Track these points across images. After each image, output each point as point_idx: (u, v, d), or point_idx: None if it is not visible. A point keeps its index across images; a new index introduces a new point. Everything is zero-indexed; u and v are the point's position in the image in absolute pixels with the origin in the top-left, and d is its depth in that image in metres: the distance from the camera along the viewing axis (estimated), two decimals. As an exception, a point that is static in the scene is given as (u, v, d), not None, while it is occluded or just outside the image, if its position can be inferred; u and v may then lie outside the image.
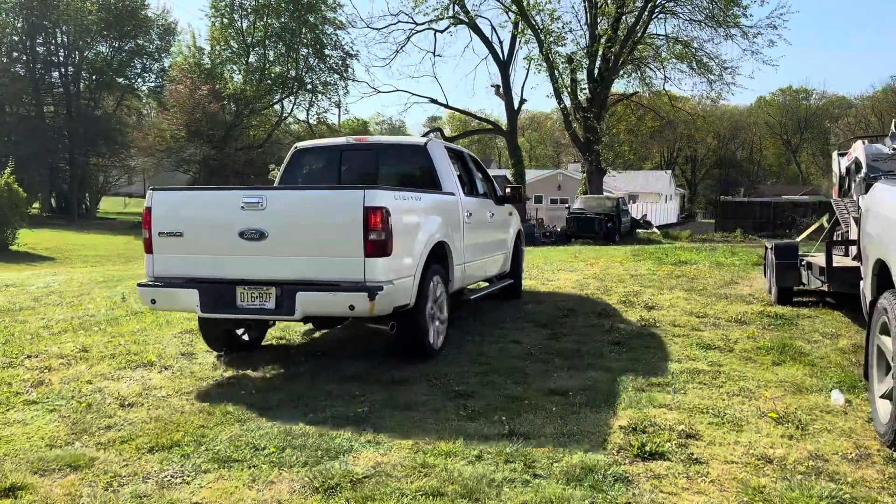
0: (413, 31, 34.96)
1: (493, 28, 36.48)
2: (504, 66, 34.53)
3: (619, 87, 35.00)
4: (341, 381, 5.42)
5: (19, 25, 42.53)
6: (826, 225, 10.25)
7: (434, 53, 39.02)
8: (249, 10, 43.29)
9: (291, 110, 47.66)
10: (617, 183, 45.28)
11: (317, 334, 7.25)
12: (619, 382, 5.29)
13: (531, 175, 48.01)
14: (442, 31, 35.46)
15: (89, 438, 4.27)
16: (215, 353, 6.35)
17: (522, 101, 35.20)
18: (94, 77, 45.56)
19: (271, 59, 44.94)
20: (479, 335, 7.06)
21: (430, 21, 34.58)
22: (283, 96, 46.08)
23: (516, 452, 3.88)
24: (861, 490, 3.47)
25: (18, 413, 4.78)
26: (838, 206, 8.88)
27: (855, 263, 6.84)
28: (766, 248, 9.69)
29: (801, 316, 7.93)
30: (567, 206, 36.48)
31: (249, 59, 44.20)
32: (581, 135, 32.05)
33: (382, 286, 5.13)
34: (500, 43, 34.90)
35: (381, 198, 5.17)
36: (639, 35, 32.14)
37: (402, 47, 35.38)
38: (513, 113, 35.27)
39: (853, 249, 7.33)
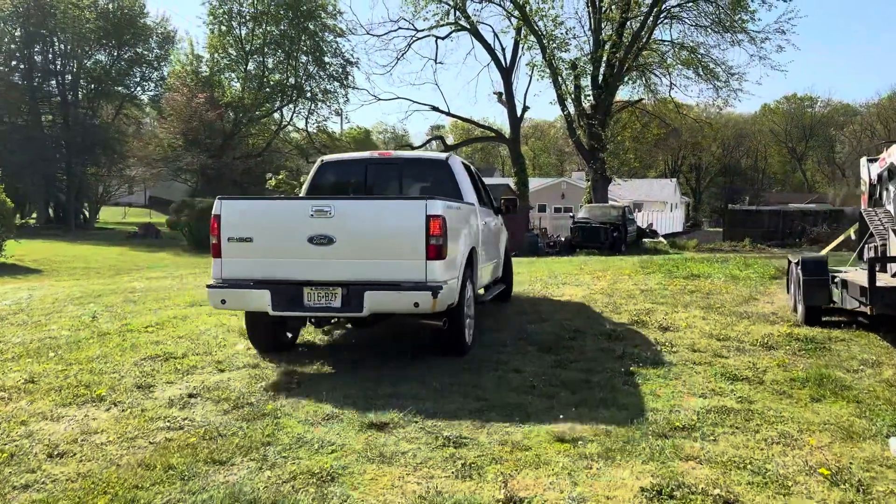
0: (414, 38, 34.30)
1: (495, 34, 35.86)
2: (506, 72, 33.85)
3: (623, 93, 34.32)
4: (310, 425, 4.66)
5: (17, 34, 42.03)
6: (854, 237, 9.46)
7: (436, 61, 38.25)
8: (248, 18, 42.72)
9: (291, 118, 47.06)
10: (621, 191, 44.47)
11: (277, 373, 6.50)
12: (637, 425, 4.53)
13: (535, 183, 47.29)
14: (443, 38, 34.85)
15: (-2, 503, 3.53)
16: (175, 386, 5.61)
17: (525, 108, 34.48)
18: (92, 86, 45.00)
19: (270, 66, 44.37)
20: (475, 362, 6.31)
21: (431, 28, 33.92)
22: (283, 104, 45.45)
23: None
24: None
25: (-74, 466, 4.04)
26: (870, 216, 8.11)
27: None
28: (791, 261, 8.92)
29: (833, 339, 7.16)
30: (571, 215, 35.70)
31: (248, 67, 43.61)
32: (585, 142, 31.30)
33: (442, 286, 5.67)
34: (503, 49, 34.26)
35: (439, 207, 5.72)
36: (644, 41, 31.44)
37: (402, 54, 34.71)
38: (515, 120, 34.55)
39: (893, 266, 6.56)
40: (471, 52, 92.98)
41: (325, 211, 5.75)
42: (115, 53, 45.31)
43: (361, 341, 7.34)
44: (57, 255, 24.88)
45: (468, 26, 33.23)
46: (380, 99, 53.83)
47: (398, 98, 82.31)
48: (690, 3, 31.63)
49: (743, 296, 10.24)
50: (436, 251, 5.66)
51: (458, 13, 32.87)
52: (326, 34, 44.04)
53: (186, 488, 3.64)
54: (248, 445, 4.24)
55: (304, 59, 44.31)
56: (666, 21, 32.11)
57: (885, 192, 7.87)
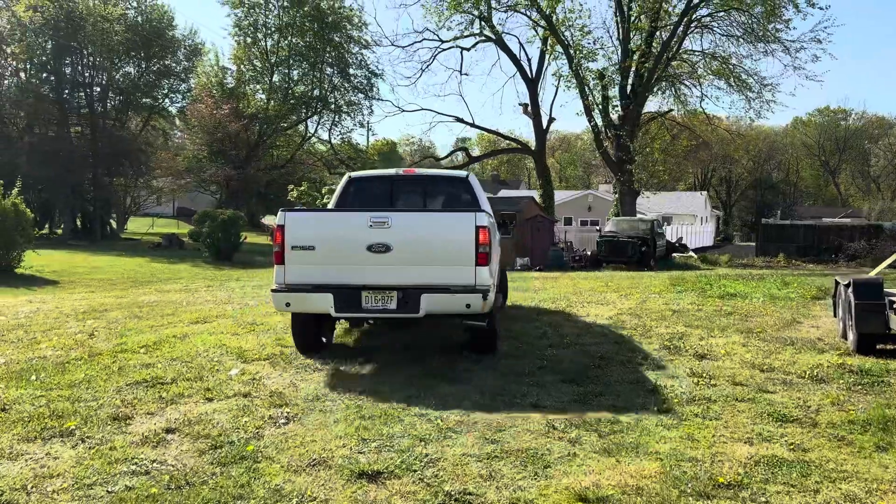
0: (439, 49, 33.89)
1: (520, 45, 35.69)
2: (532, 83, 33.26)
3: (652, 105, 33.52)
4: (293, 472, 4.06)
5: (48, 47, 42.46)
6: (909, 256, 8.66)
7: (460, 72, 37.91)
8: (273, 29, 42.69)
9: (315, 130, 46.90)
10: (649, 204, 43.43)
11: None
12: (674, 480, 3.85)
13: (560, 196, 46.48)
14: (468, 49, 34.42)
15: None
16: (155, 418, 5.06)
17: (551, 119, 33.89)
18: (120, 98, 45.29)
19: (295, 78, 44.24)
20: (490, 393, 5.68)
21: (456, 38, 33.49)
22: (307, 116, 45.30)
23: None
24: None
25: None
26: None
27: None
28: (839, 283, 8.15)
29: (892, 372, 6.39)
30: (598, 228, 34.86)
31: (273, 79, 43.57)
32: (613, 154, 30.55)
33: (489, 289, 6.31)
34: (529, 60, 33.79)
35: (485, 219, 6.38)
36: (674, 50, 30.67)
37: (427, 65, 34.34)
38: (541, 132, 33.92)
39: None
40: (496, 63, 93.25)
41: (383, 221, 6.32)
42: (144, 65, 45.57)
43: (366, 366, 6.74)
44: (76, 266, 24.72)
45: (493, 36, 32.76)
46: (404, 110, 53.75)
47: (422, 109, 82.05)
48: (722, 13, 30.84)
49: (785, 319, 9.46)
50: (484, 258, 6.29)
51: (483, 23, 32.46)
52: (351, 46, 43.89)
53: (133, 557, 3.05)
54: (216, 499, 3.64)
55: (328, 70, 44.17)
56: (696, 31, 31.35)
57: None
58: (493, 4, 31.91)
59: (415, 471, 4.00)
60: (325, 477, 3.93)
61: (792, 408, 5.30)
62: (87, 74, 44.40)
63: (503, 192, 56.27)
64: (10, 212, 20.70)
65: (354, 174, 8.59)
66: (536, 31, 32.35)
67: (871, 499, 3.68)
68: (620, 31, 30.58)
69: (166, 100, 47.96)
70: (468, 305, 6.14)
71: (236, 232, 28.88)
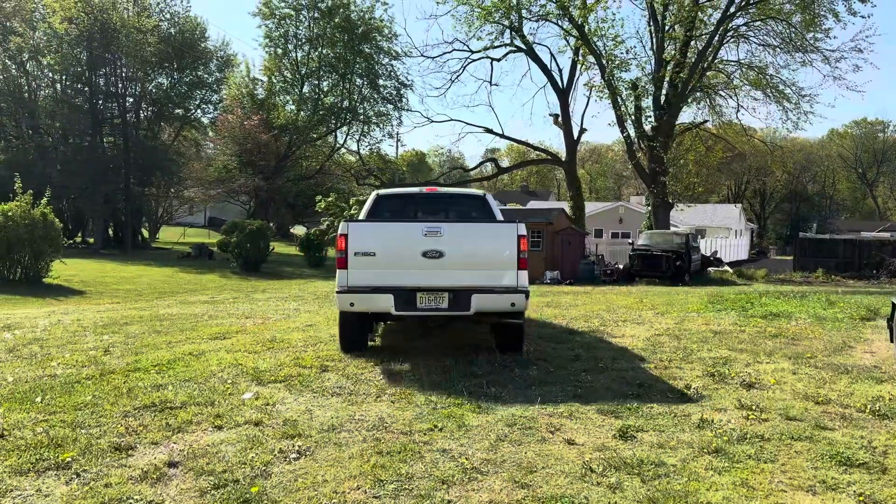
0: (468, 60, 33.59)
1: (551, 55, 35.30)
2: (563, 94, 32.76)
3: (686, 116, 32.79)
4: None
5: (82, 58, 43.10)
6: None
7: (490, 82, 38.09)
8: (304, 41, 42.82)
9: (344, 141, 46.89)
10: (683, 217, 42.56)
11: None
12: (731, 540, 3.36)
13: (591, 208, 45.78)
14: (498, 60, 34.18)
15: None
16: (159, 449, 4.69)
17: (582, 130, 33.25)
18: (152, 108, 45.77)
19: (325, 89, 44.28)
20: (519, 427, 5.21)
21: (486, 48, 33.18)
22: (337, 127, 45.30)
23: None
24: None
25: None
26: None
27: None
28: (897, 306, 7.55)
29: (964, 407, 5.80)
30: (630, 240, 34.11)
31: (303, 90, 43.65)
32: (646, 165, 29.88)
33: (528, 290, 7.21)
34: (559, 70, 33.24)
35: (523, 229, 7.27)
36: (709, 60, 29.96)
37: (457, 76, 34.07)
38: (572, 143, 33.36)
39: None
40: (526, 74, 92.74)
41: (436, 231, 7.17)
42: (176, 76, 46.05)
43: (386, 391, 6.31)
44: (105, 276, 24.75)
45: (524, 46, 32.36)
46: (433, 121, 53.46)
47: (451, 120, 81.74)
48: (758, 22, 30.09)
49: (835, 343, 8.85)
50: (525, 263, 7.17)
51: (513, 33, 32.07)
52: (381, 57, 43.84)
53: None
54: (211, 554, 3.26)
55: (358, 81, 44.16)
56: (732, 40, 30.61)
57: None
58: (524, 14, 31.56)
59: (435, 522, 3.57)
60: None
61: (856, 449, 4.77)
62: (120, 85, 44.98)
63: (532, 203, 55.71)
64: (40, 221, 20.79)
65: (381, 192, 9.21)
66: (568, 42, 31.94)
67: (965, 570, 3.16)
68: (654, 40, 29.99)
69: (198, 110, 48.40)
70: (513, 304, 7.06)
71: (265, 243, 28.80)
